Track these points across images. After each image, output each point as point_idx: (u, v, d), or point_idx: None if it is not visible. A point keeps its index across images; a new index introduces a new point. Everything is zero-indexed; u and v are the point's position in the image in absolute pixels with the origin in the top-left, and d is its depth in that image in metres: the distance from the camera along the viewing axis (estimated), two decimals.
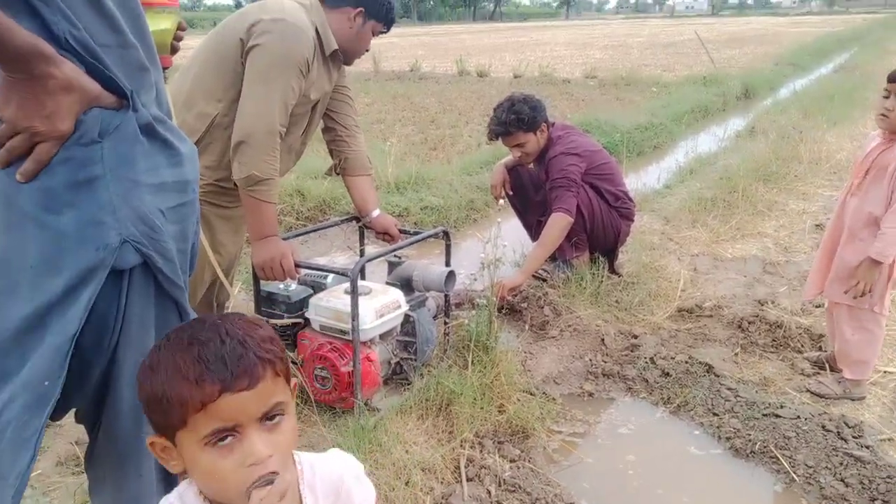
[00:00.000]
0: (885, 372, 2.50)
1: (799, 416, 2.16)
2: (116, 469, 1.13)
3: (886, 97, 2.10)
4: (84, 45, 0.92)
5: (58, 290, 0.95)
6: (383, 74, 13.81)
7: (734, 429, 2.19)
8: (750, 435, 2.15)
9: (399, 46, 24.23)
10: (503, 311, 2.92)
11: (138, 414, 1.10)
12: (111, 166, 0.96)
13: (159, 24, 1.33)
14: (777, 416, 2.19)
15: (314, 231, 2.53)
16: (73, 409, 1.14)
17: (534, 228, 3.45)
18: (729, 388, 2.38)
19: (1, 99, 0.89)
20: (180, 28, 1.41)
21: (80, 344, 0.99)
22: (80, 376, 1.03)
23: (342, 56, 2.27)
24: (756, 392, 2.36)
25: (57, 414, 1.08)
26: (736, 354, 2.66)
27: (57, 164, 0.93)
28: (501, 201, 2.87)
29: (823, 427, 2.10)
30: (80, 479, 1.89)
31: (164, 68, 1.42)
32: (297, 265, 2.06)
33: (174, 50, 1.43)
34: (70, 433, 2.02)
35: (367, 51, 2.37)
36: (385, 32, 2.36)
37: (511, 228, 3.83)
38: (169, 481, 1.24)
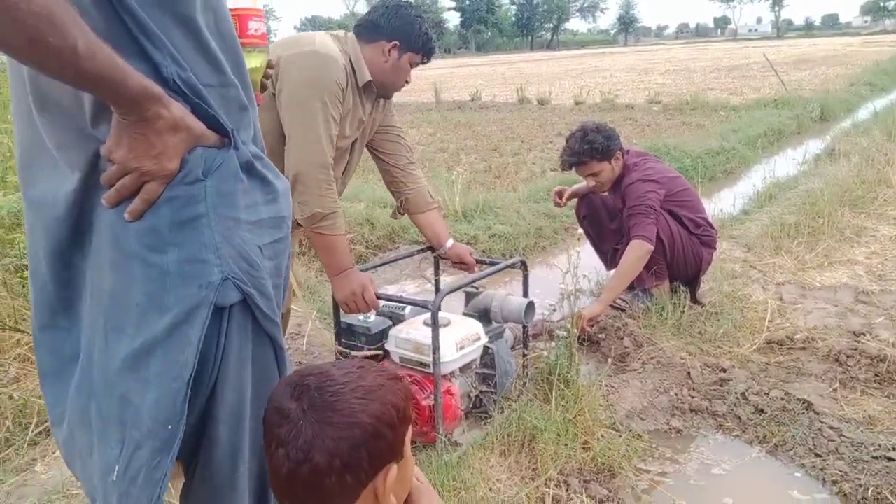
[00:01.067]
0: None
1: None
2: None
3: None
4: (190, 86, 0.94)
5: (162, 328, 0.95)
6: (444, 104, 14.01)
7: (841, 472, 2.03)
8: (860, 479, 1.98)
9: (458, 76, 24.60)
10: (582, 342, 2.83)
11: (235, 452, 1.08)
12: (213, 205, 0.96)
13: (251, 62, 1.36)
14: (890, 459, 2.02)
15: (391, 263, 2.52)
16: None
17: (609, 257, 3.36)
18: (831, 427, 2.21)
19: (113, 140, 0.90)
20: (269, 66, 1.44)
21: None
22: None
23: (379, 89, 2.25)
24: (862, 432, 2.19)
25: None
26: (835, 390, 2.48)
27: (162, 204, 0.93)
28: (580, 230, 2.81)
29: None
30: None
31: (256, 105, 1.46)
32: (378, 297, 2.04)
33: (263, 88, 1.46)
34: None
35: (406, 83, 2.34)
36: (424, 63, 2.32)
37: (585, 256, 3.75)
38: None
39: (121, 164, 0.90)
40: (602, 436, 2.16)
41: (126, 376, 0.95)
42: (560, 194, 3.34)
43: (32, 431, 2.28)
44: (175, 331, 0.95)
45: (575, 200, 3.45)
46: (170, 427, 0.96)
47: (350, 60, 2.12)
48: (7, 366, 2.48)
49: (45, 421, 2.33)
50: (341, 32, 2.20)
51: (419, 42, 2.22)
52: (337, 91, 2.03)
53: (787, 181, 5.86)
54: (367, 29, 2.20)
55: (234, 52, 1.03)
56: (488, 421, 2.13)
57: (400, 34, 2.19)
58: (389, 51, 2.20)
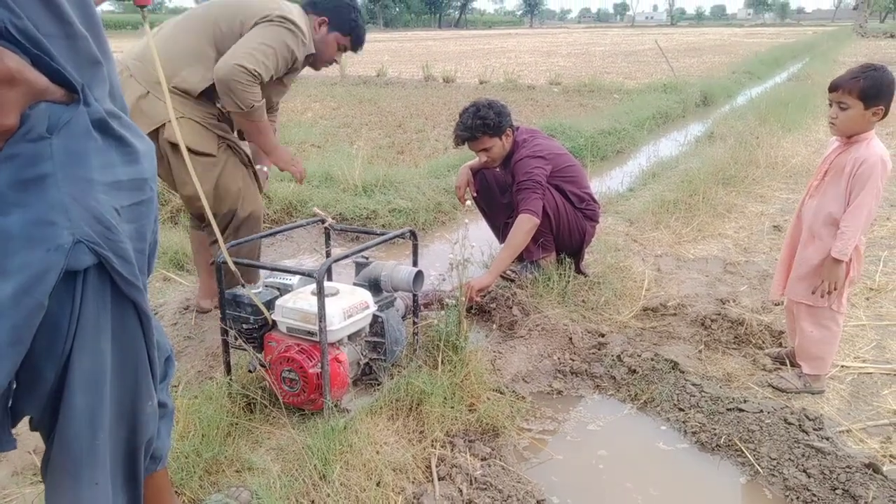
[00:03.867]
0: (842, 366, 2.58)
1: (762, 410, 2.21)
2: (71, 477, 1.08)
3: (830, 105, 2.20)
4: (27, 35, 0.89)
5: (8, 294, 0.90)
6: (349, 79, 13.75)
7: (699, 423, 2.23)
8: (715, 429, 2.19)
9: (365, 52, 24.14)
10: (472, 312, 2.92)
11: (93, 419, 1.06)
12: (62, 164, 0.92)
13: None
14: (741, 410, 2.24)
15: (281, 232, 2.49)
16: (28, 417, 1.10)
17: (501, 230, 3.47)
18: (694, 384, 2.42)
19: None
20: None
21: (30, 350, 0.95)
22: (31, 383, 1.00)
23: (309, 60, 2.56)
24: (720, 387, 2.41)
25: (11, 421, 1.04)
26: (700, 351, 2.71)
27: (2, 162, 0.89)
28: (468, 202, 2.87)
29: (785, 420, 2.15)
30: (38, 488, 1.83)
31: (142, 6, 1.41)
32: (263, 267, 2.04)
33: None
34: (27, 443, 1.95)
35: (332, 61, 2.66)
36: (351, 50, 2.66)
37: (478, 230, 3.85)
38: (134, 488, 1.20)
39: None
40: (487, 398, 2.26)
41: None
42: (462, 197, 3.38)
43: None
44: (22, 296, 0.91)
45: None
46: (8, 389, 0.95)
47: (307, 35, 2.49)
48: None
49: None
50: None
51: (347, 25, 2.56)
52: (292, 56, 2.43)
53: (670, 161, 6.24)
54: (308, 3, 2.53)
55: (83, 2, 0.98)
56: (378, 388, 2.17)
57: (331, 13, 2.53)
58: (319, 25, 2.52)
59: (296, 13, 2.47)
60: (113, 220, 0.99)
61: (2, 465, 1.93)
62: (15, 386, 1.00)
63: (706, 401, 2.32)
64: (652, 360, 2.58)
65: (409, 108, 9.77)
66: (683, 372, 2.51)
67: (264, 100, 2.40)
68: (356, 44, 2.65)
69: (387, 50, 25.64)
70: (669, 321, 2.97)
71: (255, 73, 2.29)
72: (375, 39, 36.89)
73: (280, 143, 2.73)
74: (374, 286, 2.26)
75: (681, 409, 2.33)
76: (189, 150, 1.97)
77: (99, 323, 1.02)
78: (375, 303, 2.17)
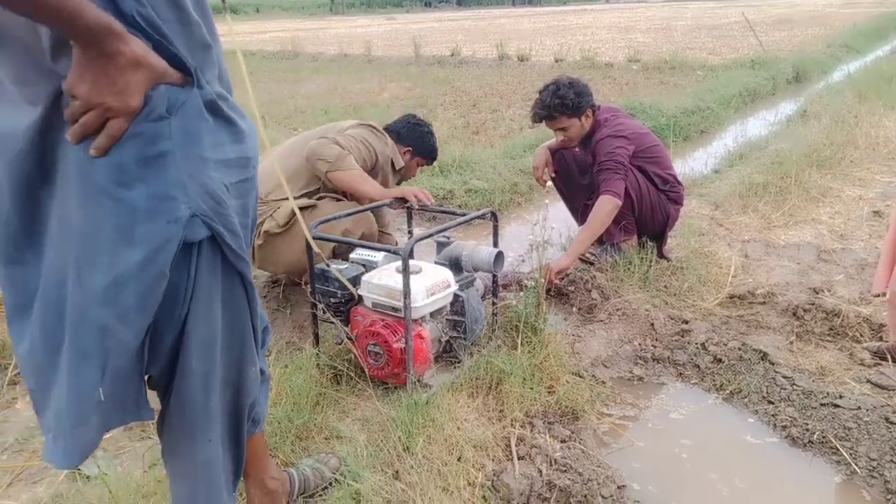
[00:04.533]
0: None
1: (860, 407, 2.10)
2: (187, 435, 1.17)
3: None
4: (150, 22, 0.94)
5: (134, 262, 0.97)
6: (424, 59, 13.77)
7: (791, 417, 2.15)
8: (808, 424, 2.10)
9: (438, 31, 24.12)
10: (550, 294, 2.90)
11: (206, 382, 1.13)
12: (179, 142, 0.98)
13: None
14: (836, 406, 2.14)
15: (363, 211, 2.54)
16: (147, 377, 1.18)
17: (580, 212, 3.41)
18: (784, 377, 2.32)
19: (75, 76, 0.90)
20: None
21: (154, 315, 1.02)
22: (154, 346, 1.07)
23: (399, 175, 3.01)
24: (813, 381, 2.30)
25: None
26: (791, 343, 2.60)
27: (127, 140, 0.95)
28: (549, 183, 2.84)
29: (887, 419, 2.03)
30: (148, 443, 1.97)
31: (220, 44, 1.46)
32: (351, 244, 2.09)
33: None
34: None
35: (412, 176, 3.17)
36: (427, 165, 3.17)
37: (557, 211, 3.80)
38: (238, 447, 1.27)
39: (83, 99, 0.91)
40: (566, 381, 2.24)
41: (105, 310, 0.98)
42: (540, 178, 3.34)
43: (12, 371, 2.30)
44: (147, 265, 0.97)
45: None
46: (136, 348, 1.02)
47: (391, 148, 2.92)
48: None
49: None
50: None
51: (427, 152, 3.07)
52: (376, 153, 2.79)
53: (759, 141, 5.94)
54: (392, 133, 2.99)
55: None
56: (458, 365, 2.19)
57: (414, 142, 3.02)
58: (404, 153, 3.01)
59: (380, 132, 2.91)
60: (223, 196, 1.05)
61: None
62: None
63: (798, 394, 2.23)
64: (739, 349, 2.49)
65: (483, 87, 9.71)
66: (773, 363, 2.41)
67: (350, 153, 2.63)
68: (432, 160, 3.16)
69: (460, 29, 25.50)
70: (758, 310, 2.85)
71: (333, 140, 2.61)
72: (449, 19, 36.76)
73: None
74: (455, 265, 2.27)
75: (770, 402, 2.24)
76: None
77: (211, 292, 1.08)
78: (456, 282, 2.19)
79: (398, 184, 3.03)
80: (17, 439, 2.01)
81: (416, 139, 3.01)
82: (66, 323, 0.99)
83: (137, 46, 0.92)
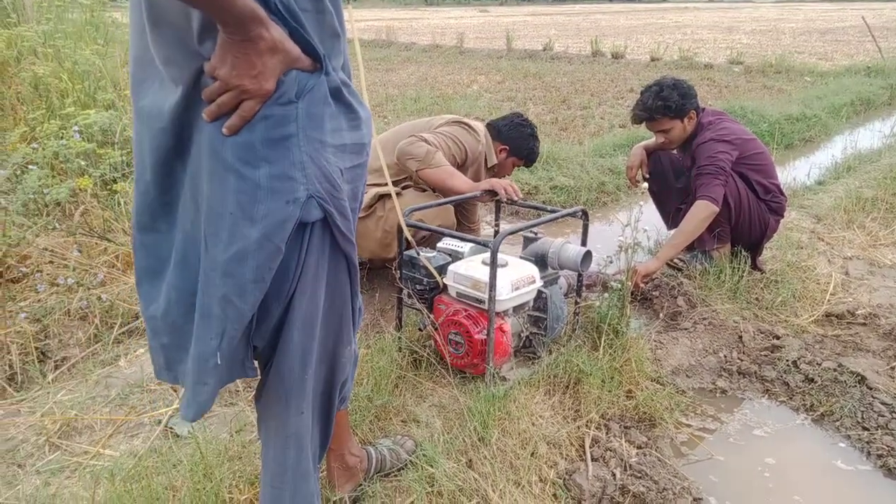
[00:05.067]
0: None
1: None
2: (282, 405, 1.23)
3: None
4: (289, 10, 0.99)
5: (254, 238, 1.03)
6: (515, 53, 13.70)
7: (888, 447, 2.02)
8: None
9: (531, 25, 23.90)
10: (635, 298, 2.85)
11: (305, 356, 1.19)
12: (303, 126, 1.02)
13: None
14: None
15: (454, 202, 2.58)
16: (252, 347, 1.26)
17: (671, 216, 3.32)
18: (883, 403, 2.19)
19: (217, 58, 0.96)
20: None
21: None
22: (260, 319, 1.13)
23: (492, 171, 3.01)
24: None
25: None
26: (892, 368, 2.44)
27: (257, 121, 1.00)
28: (644, 184, 2.77)
29: None
30: (234, 409, 2.08)
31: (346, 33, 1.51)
32: (442, 233, 2.14)
33: None
34: None
35: (506, 175, 3.10)
36: (525, 166, 3.13)
37: (645, 213, 3.71)
38: (327, 421, 1.33)
39: (223, 81, 0.97)
40: (646, 387, 2.21)
41: (226, 280, 1.05)
42: (633, 179, 3.27)
43: (117, 331, 2.49)
44: (265, 240, 1.03)
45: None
46: (246, 318, 1.10)
47: (484, 144, 2.94)
48: (96, 270, 2.69)
49: (129, 322, 2.55)
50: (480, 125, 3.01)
51: (525, 153, 3.01)
52: (466, 150, 2.84)
53: (870, 154, 5.57)
54: (493, 128, 3.00)
55: None
56: (536, 361, 2.20)
57: (512, 143, 2.97)
58: (500, 151, 2.98)
59: (480, 127, 2.94)
60: (338, 180, 1.09)
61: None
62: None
63: None
64: (834, 370, 2.37)
65: (574, 83, 9.56)
66: (871, 388, 2.28)
67: (439, 149, 2.66)
68: (530, 163, 3.10)
69: (554, 24, 25.16)
70: (857, 331, 2.70)
71: (422, 138, 2.65)
72: (542, 13, 36.32)
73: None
74: (541, 262, 2.27)
75: (865, 429, 2.12)
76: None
77: (318, 272, 1.14)
78: (541, 278, 2.19)
79: (492, 176, 3.02)
80: (119, 394, 2.18)
81: (515, 139, 2.98)
82: (198, 288, 1.08)
83: (276, 32, 0.96)
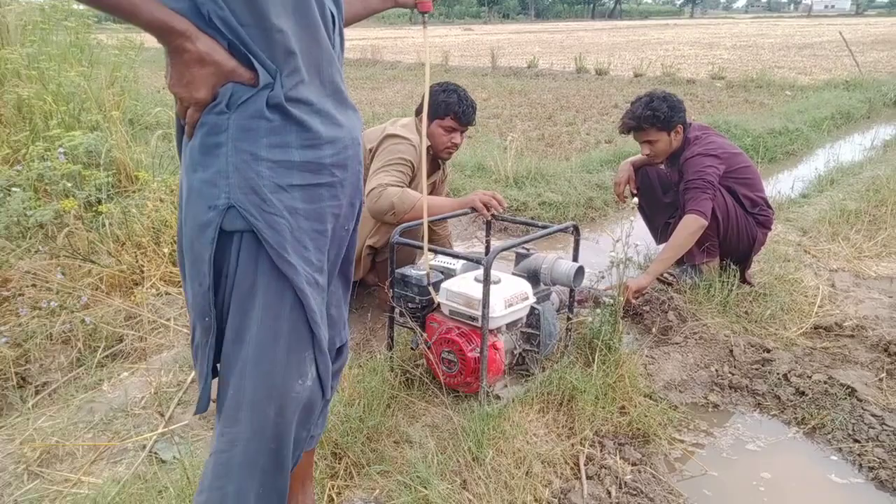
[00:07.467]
0: None
1: None
2: (218, 423, 1.18)
3: None
4: (226, 24, 1.01)
5: (188, 237, 1.10)
6: (500, 70, 13.83)
7: (879, 459, 2.03)
8: None
9: (516, 42, 24.15)
10: (626, 313, 2.85)
11: (230, 368, 1.13)
12: (233, 136, 1.04)
13: None
14: None
15: (446, 219, 2.58)
16: None
17: (660, 231, 3.34)
18: (874, 415, 2.20)
19: (166, 69, 1.03)
20: None
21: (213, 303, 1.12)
22: (218, 322, 1.15)
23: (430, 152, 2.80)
24: None
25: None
26: (881, 380, 2.45)
27: (198, 128, 1.05)
28: (634, 200, 2.79)
29: None
30: None
31: (424, 13, 1.54)
32: (434, 251, 2.12)
33: None
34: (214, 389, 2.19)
35: (452, 145, 2.79)
36: (461, 125, 2.75)
37: (636, 229, 3.73)
38: (277, 463, 1.19)
39: (169, 90, 1.04)
40: (639, 403, 2.20)
41: (185, 271, 1.13)
42: (621, 195, 3.28)
43: (101, 354, 2.45)
44: (193, 242, 1.09)
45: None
46: (206, 319, 1.12)
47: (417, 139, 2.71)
48: (80, 292, 2.65)
49: (113, 345, 2.51)
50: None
51: (442, 110, 2.70)
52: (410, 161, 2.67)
53: (852, 167, 5.65)
54: (415, 112, 2.78)
55: (302, 9, 1.07)
56: (529, 378, 2.19)
57: (428, 111, 2.65)
58: (420, 122, 2.60)
59: (409, 126, 2.73)
60: (271, 195, 1.07)
61: (191, 409, 2.18)
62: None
63: (888, 435, 2.11)
64: (825, 383, 2.37)
65: (559, 100, 9.65)
66: (861, 400, 2.29)
67: (401, 189, 2.54)
68: (462, 118, 2.74)
69: (537, 41, 25.44)
70: (845, 343, 2.71)
71: (379, 184, 2.53)
72: (526, 31, 36.70)
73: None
74: (533, 278, 2.27)
75: (856, 441, 2.13)
76: None
77: (253, 286, 1.10)
78: (533, 294, 2.19)
79: (436, 165, 2.90)
80: (102, 419, 2.13)
81: (428, 105, 2.76)
82: None
83: (203, 45, 1.00)
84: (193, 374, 2.29)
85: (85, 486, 1.83)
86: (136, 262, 2.86)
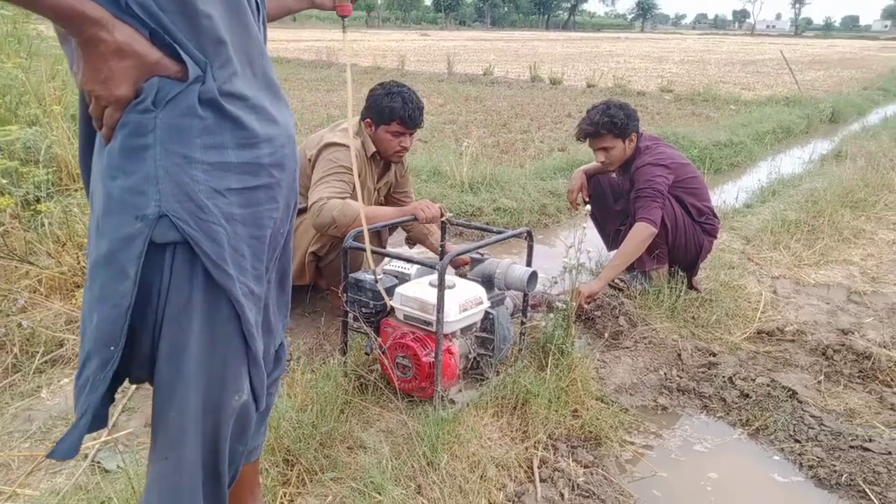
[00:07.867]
0: None
1: (890, 452, 2.06)
2: (151, 444, 1.09)
3: None
4: (146, 10, 0.89)
5: (102, 251, 0.95)
6: (456, 76, 13.91)
7: (817, 458, 2.11)
8: (835, 466, 2.06)
9: (472, 49, 24.34)
10: (579, 317, 2.89)
11: (171, 393, 1.04)
12: (161, 138, 0.93)
13: None
14: (865, 449, 2.10)
15: (397, 225, 2.57)
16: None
17: (611, 237, 3.41)
18: (813, 416, 2.29)
19: (76, 64, 0.89)
20: None
21: (130, 315, 0.97)
22: (132, 348, 1.01)
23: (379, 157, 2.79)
24: (841, 423, 2.26)
25: (122, 378, 1.06)
26: (819, 382, 2.56)
27: (118, 129, 0.92)
28: (587, 207, 2.84)
29: None
30: None
31: (344, 16, 1.46)
32: (387, 255, 2.11)
33: None
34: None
35: (401, 149, 2.75)
36: (407, 129, 2.70)
37: (586, 235, 3.80)
38: (215, 480, 1.15)
39: (81, 87, 0.91)
40: (591, 406, 2.23)
41: (87, 292, 0.98)
42: (574, 202, 3.32)
43: (39, 360, 2.34)
44: (112, 257, 0.94)
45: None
46: (111, 349, 0.97)
47: (362, 141, 2.73)
48: (17, 295, 2.53)
49: (52, 350, 2.40)
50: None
51: (386, 115, 2.66)
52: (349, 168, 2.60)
53: (792, 179, 5.89)
54: (359, 115, 2.77)
55: None
56: (483, 383, 2.19)
57: (370, 112, 2.70)
58: (367, 127, 2.74)
59: (348, 131, 2.64)
60: (208, 201, 0.97)
61: (136, 416, 2.11)
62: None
63: (826, 435, 2.19)
64: (767, 385, 2.46)
65: (514, 107, 9.77)
66: (801, 402, 2.37)
67: (342, 201, 2.49)
68: (408, 122, 2.67)
69: (493, 49, 25.71)
70: (786, 347, 2.82)
71: (319, 198, 2.50)
72: (482, 38, 37.05)
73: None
74: (488, 282, 2.28)
75: (797, 441, 2.21)
76: None
77: (189, 301, 1.00)
78: (488, 299, 2.20)
79: (388, 167, 2.88)
80: (40, 428, 2.03)
81: (371, 108, 2.70)
82: None
83: (121, 34, 0.87)
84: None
85: (21, 498, 1.74)
86: (78, 263, 2.75)
